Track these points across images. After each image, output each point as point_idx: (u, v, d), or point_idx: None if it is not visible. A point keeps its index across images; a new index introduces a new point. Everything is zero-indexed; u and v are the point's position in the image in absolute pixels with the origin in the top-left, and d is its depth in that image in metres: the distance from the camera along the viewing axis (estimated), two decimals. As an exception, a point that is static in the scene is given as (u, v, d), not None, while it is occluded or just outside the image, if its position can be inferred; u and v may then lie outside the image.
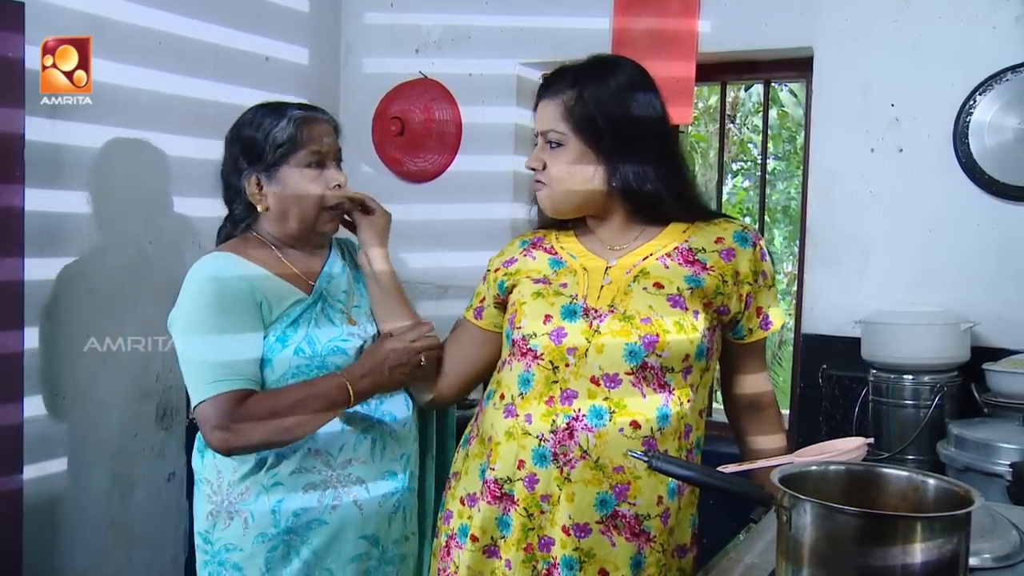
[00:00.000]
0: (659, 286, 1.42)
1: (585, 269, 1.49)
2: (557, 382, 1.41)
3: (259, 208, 1.63)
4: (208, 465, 1.62)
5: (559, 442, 1.39)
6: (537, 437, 1.40)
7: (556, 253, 1.54)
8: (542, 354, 1.43)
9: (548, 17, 2.94)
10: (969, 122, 2.35)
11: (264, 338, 1.55)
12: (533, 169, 1.51)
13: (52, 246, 2.34)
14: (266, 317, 1.56)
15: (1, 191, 2.11)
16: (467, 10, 3.10)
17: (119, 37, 2.47)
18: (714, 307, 1.44)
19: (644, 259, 1.47)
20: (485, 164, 3.10)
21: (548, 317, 1.44)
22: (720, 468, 1.35)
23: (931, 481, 1.06)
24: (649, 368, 1.39)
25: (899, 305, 2.36)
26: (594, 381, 1.39)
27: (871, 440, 1.35)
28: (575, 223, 1.56)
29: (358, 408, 1.60)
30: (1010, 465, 1.75)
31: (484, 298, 1.62)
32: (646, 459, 1.15)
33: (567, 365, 1.41)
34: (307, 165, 1.61)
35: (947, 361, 2.21)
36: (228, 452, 1.51)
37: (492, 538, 1.45)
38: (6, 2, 2.10)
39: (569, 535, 1.38)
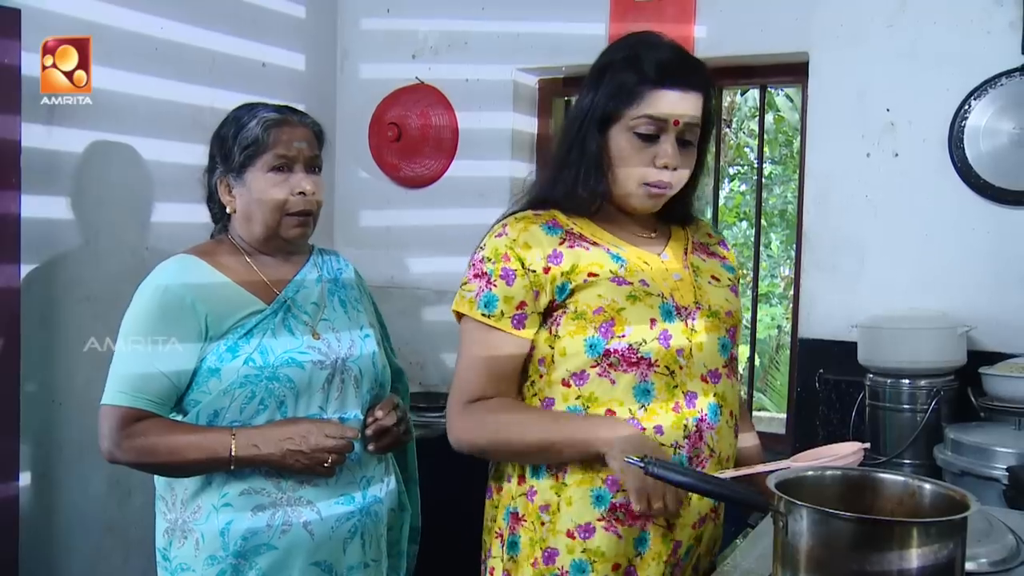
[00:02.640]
0: (716, 278, 1.46)
1: (647, 263, 1.40)
2: (677, 386, 1.35)
3: (228, 210, 1.62)
4: (162, 481, 1.60)
5: (692, 446, 1.35)
6: (672, 446, 1.34)
7: (600, 244, 1.40)
8: (657, 361, 1.34)
9: (544, 23, 2.95)
10: (964, 127, 2.36)
11: (213, 348, 1.53)
12: (672, 169, 1.35)
13: (48, 253, 2.34)
14: (214, 329, 1.53)
15: (-2, 197, 2.11)
16: (464, 16, 3.10)
17: (116, 43, 2.47)
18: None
19: (685, 254, 1.47)
20: (482, 169, 3.10)
21: (653, 321, 1.34)
22: (718, 474, 1.36)
23: (927, 486, 1.06)
24: (733, 359, 1.44)
25: (896, 309, 2.36)
26: (703, 379, 1.38)
27: (867, 445, 1.35)
28: (586, 209, 1.43)
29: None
30: (1006, 469, 1.75)
31: (524, 303, 1.36)
32: (642, 465, 1.14)
33: (680, 368, 1.36)
34: (272, 169, 1.56)
35: (944, 365, 2.22)
36: (110, 461, 1.53)
37: (628, 559, 1.35)
38: (2, 8, 2.10)
39: (696, 528, 1.38)
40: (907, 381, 2.22)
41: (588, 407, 1.34)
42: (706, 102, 1.38)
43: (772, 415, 6.03)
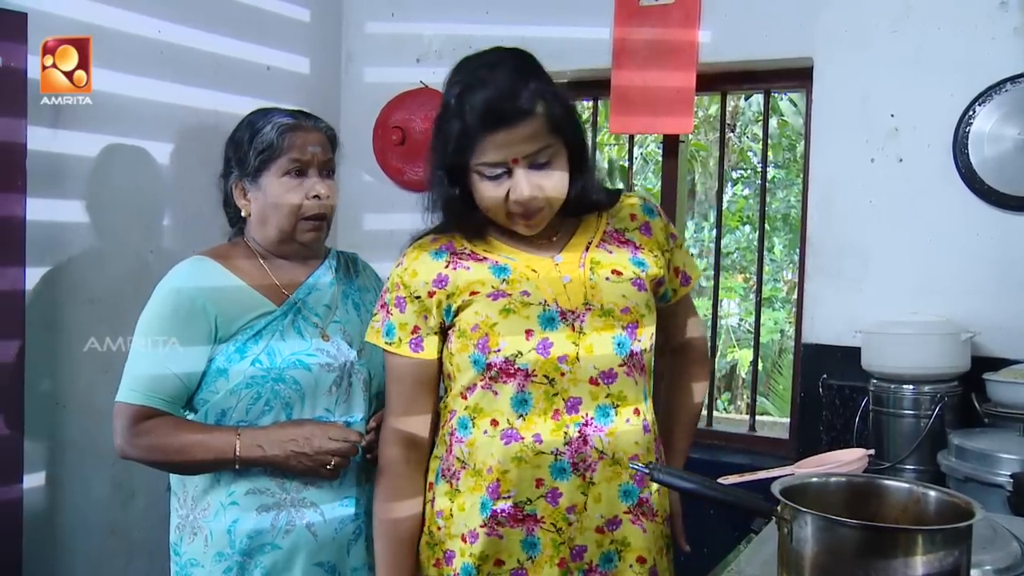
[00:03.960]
0: (618, 272, 1.45)
1: (535, 271, 1.42)
2: (557, 394, 1.38)
3: (243, 214, 1.64)
4: (176, 477, 1.63)
5: (576, 451, 1.37)
6: (552, 453, 1.37)
7: (487, 259, 1.43)
8: (534, 371, 1.37)
9: (549, 27, 2.95)
10: (969, 132, 2.36)
11: (222, 349, 1.56)
12: (522, 203, 1.36)
13: (53, 255, 2.34)
14: (223, 330, 1.56)
15: (3, 200, 2.12)
16: (468, 20, 3.11)
17: (121, 46, 2.47)
18: (653, 281, 1.49)
19: (587, 249, 1.46)
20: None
21: (529, 332, 1.38)
22: (720, 480, 1.36)
23: (932, 493, 1.06)
24: (635, 355, 1.42)
25: (899, 315, 2.36)
26: (593, 382, 1.39)
27: (872, 452, 1.36)
28: (478, 234, 1.47)
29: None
30: (1011, 476, 1.74)
31: (417, 327, 1.44)
32: (647, 471, 1.15)
33: (562, 374, 1.38)
34: (286, 173, 1.59)
35: (947, 371, 2.21)
36: (121, 457, 1.56)
37: (519, 561, 1.39)
38: (9, 11, 2.11)
39: (604, 532, 1.39)
40: (911, 387, 2.21)
41: (475, 418, 1.41)
42: (549, 120, 1.35)
43: (775, 420, 6.03)
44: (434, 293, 1.42)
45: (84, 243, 2.43)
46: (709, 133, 7.36)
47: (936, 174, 2.41)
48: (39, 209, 2.23)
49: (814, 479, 1.12)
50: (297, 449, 1.52)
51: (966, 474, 1.87)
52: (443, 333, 1.45)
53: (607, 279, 1.43)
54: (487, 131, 1.33)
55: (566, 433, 1.37)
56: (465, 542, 1.41)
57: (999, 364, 2.20)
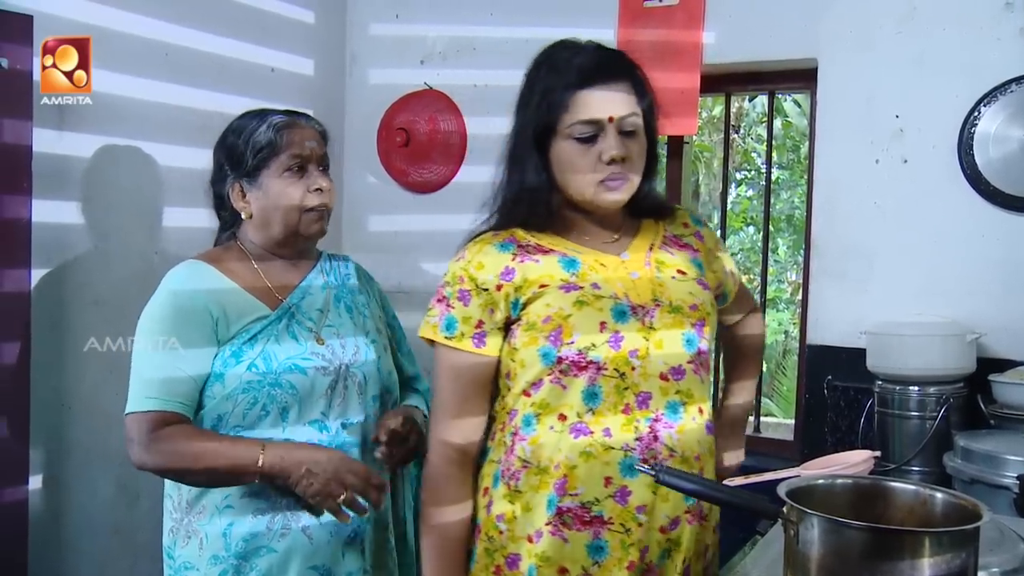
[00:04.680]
0: (682, 272, 1.46)
1: (603, 265, 1.42)
2: (628, 388, 1.36)
3: (243, 216, 1.63)
4: (170, 482, 1.61)
5: (646, 447, 1.35)
6: (622, 449, 1.35)
7: (554, 251, 1.42)
8: (605, 364, 1.35)
9: (553, 29, 2.91)
10: (974, 133, 2.35)
11: (219, 353, 1.54)
12: (619, 160, 1.36)
13: (58, 257, 2.35)
14: (222, 333, 1.55)
15: (9, 202, 2.12)
16: (472, 21, 3.11)
17: (126, 48, 2.48)
18: (712, 285, 1.52)
19: (651, 250, 1.47)
20: (490, 175, 3.09)
21: (603, 324, 1.36)
22: (726, 481, 1.36)
23: (939, 495, 1.06)
24: (702, 353, 1.43)
25: (904, 316, 2.35)
26: (663, 377, 1.38)
27: (878, 453, 1.35)
28: (547, 223, 1.46)
29: (312, 432, 1.56)
30: (1017, 477, 1.74)
31: (482, 321, 1.41)
32: (653, 473, 1.14)
33: (633, 369, 1.36)
34: (287, 170, 1.59)
35: (953, 372, 2.21)
36: (139, 467, 1.52)
37: (583, 568, 1.35)
38: (14, 13, 2.11)
39: (665, 532, 1.37)
40: (916, 388, 2.21)
41: (541, 413, 1.37)
42: (638, 93, 1.40)
43: (779, 421, 6.01)
44: (502, 286, 1.39)
45: (89, 244, 2.43)
46: (713, 134, 7.36)
47: (941, 175, 2.41)
48: (44, 211, 2.23)
49: (820, 481, 1.12)
50: (317, 471, 1.48)
51: (972, 476, 1.86)
52: (505, 329, 1.41)
53: (673, 277, 1.44)
54: (586, 86, 1.35)
55: (636, 428, 1.35)
56: (531, 542, 1.37)
57: (1005, 365, 2.20)
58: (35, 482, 2.26)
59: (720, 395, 1.75)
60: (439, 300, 1.45)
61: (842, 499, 1.09)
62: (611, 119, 1.35)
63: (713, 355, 1.53)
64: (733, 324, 1.72)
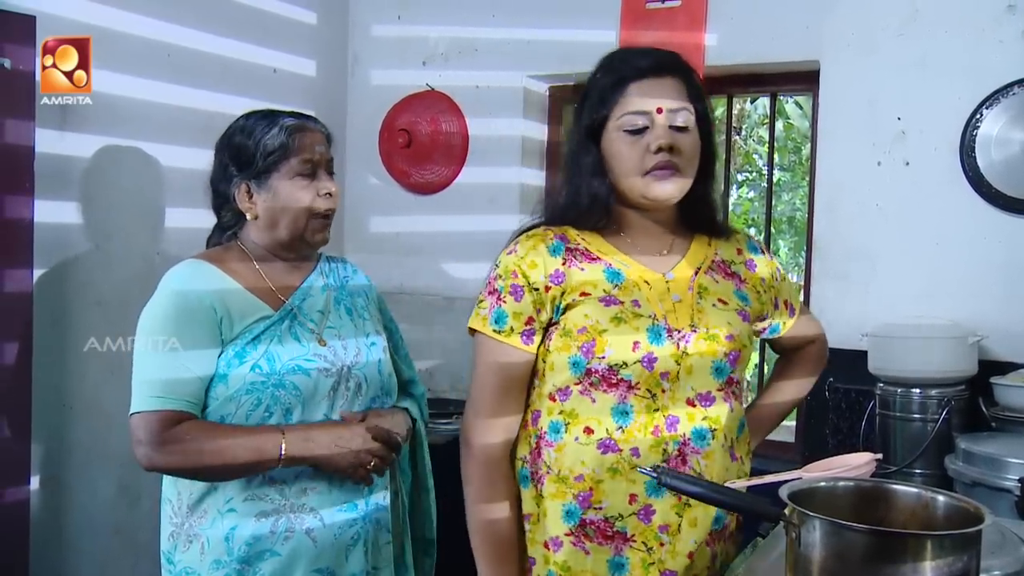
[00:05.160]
0: (723, 302, 1.43)
1: (647, 282, 1.40)
2: (658, 410, 1.35)
3: (248, 216, 1.62)
4: (169, 485, 1.59)
5: (667, 468, 1.32)
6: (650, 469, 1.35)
7: (601, 260, 1.41)
8: (637, 383, 1.34)
9: (555, 30, 2.96)
10: (976, 136, 2.35)
11: (222, 353, 1.53)
12: (667, 149, 1.35)
13: (60, 257, 2.35)
14: (226, 333, 1.53)
15: (11, 202, 2.13)
16: (474, 23, 3.11)
17: (129, 48, 2.48)
18: (756, 317, 1.50)
19: (696, 274, 1.45)
20: (492, 176, 3.11)
21: (636, 344, 1.34)
22: (728, 484, 1.35)
23: (941, 498, 1.06)
24: (733, 383, 1.42)
25: (906, 318, 2.35)
26: (690, 403, 1.37)
27: (879, 456, 1.35)
28: (601, 223, 1.44)
29: None
30: (1019, 480, 1.74)
31: (531, 318, 1.39)
32: (655, 475, 1.14)
33: (663, 391, 1.35)
34: (298, 174, 1.59)
35: (955, 375, 2.21)
36: (149, 469, 1.50)
37: None
38: (17, 14, 2.12)
39: (692, 559, 1.36)
40: (918, 390, 2.21)
41: (569, 423, 1.37)
42: (692, 93, 1.39)
43: (781, 423, 6.00)
44: (550, 288, 1.39)
45: (91, 244, 2.44)
46: (715, 136, 7.34)
47: (943, 177, 2.41)
48: (46, 211, 2.24)
49: (822, 483, 1.11)
50: (344, 445, 1.53)
51: (974, 478, 1.86)
52: (545, 330, 1.41)
53: (714, 305, 1.42)
54: (637, 78, 1.37)
55: (665, 451, 1.35)
56: (548, 549, 1.38)
57: (1006, 368, 2.19)
58: (36, 482, 2.26)
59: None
60: (490, 292, 1.42)
61: (844, 501, 1.09)
62: (660, 110, 1.36)
63: (744, 388, 1.50)
64: (792, 347, 1.67)
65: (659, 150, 1.35)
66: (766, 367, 3.49)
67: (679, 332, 1.37)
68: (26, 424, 2.17)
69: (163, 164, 2.59)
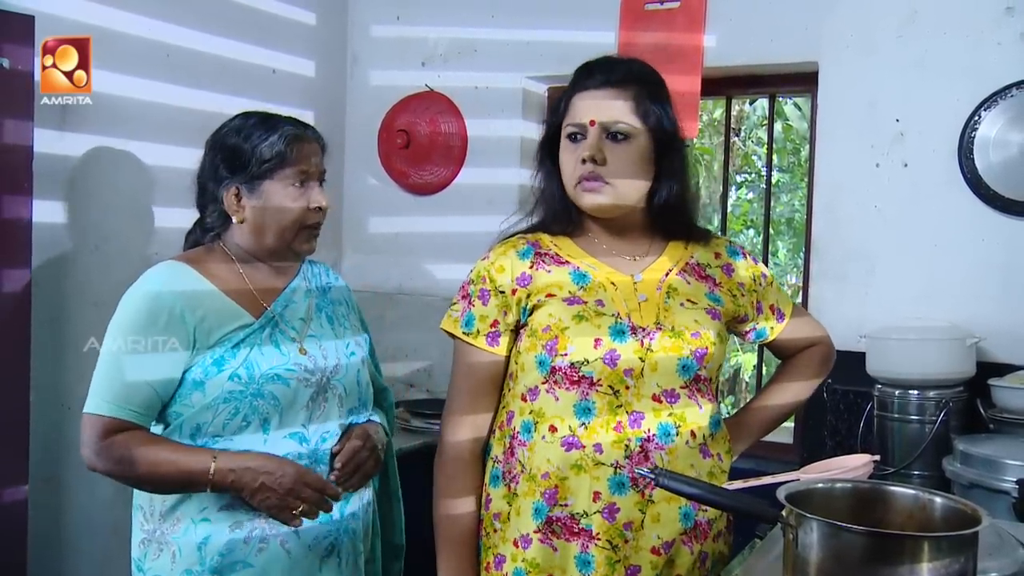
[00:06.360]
0: (692, 302, 1.45)
1: (614, 284, 1.43)
2: (621, 406, 1.37)
3: (234, 219, 1.59)
4: (141, 491, 1.58)
5: (636, 466, 1.36)
6: (611, 465, 1.36)
7: (569, 263, 1.45)
8: (599, 380, 1.37)
9: (554, 31, 2.96)
10: (974, 137, 2.35)
11: (199, 360, 1.50)
12: (590, 160, 1.38)
13: (58, 257, 2.35)
14: (202, 340, 1.51)
15: (9, 202, 2.12)
16: (473, 23, 3.11)
17: (127, 48, 2.48)
18: (731, 318, 1.51)
19: (666, 275, 1.46)
20: (491, 177, 3.11)
21: (598, 341, 1.37)
22: (725, 485, 1.36)
23: (938, 499, 1.06)
24: (701, 380, 1.43)
25: (904, 320, 2.36)
26: (656, 399, 1.39)
27: (877, 457, 1.35)
28: (568, 228, 1.49)
29: (292, 444, 1.54)
30: (1016, 482, 1.74)
31: (496, 321, 1.45)
32: (652, 476, 1.14)
33: (627, 388, 1.37)
34: (291, 184, 1.57)
35: (952, 376, 2.21)
36: (90, 469, 1.51)
37: None
38: (16, 14, 2.12)
39: (660, 554, 1.37)
40: (916, 392, 2.21)
41: (537, 422, 1.40)
42: (642, 101, 1.41)
43: (779, 424, 6.00)
44: (516, 290, 1.44)
45: (88, 245, 2.44)
46: (714, 137, 7.35)
47: (941, 179, 2.41)
48: (45, 211, 2.24)
49: (820, 485, 1.12)
50: (268, 483, 1.47)
51: (971, 480, 1.86)
52: (516, 332, 1.46)
53: (681, 305, 1.44)
54: (577, 91, 1.43)
55: (627, 447, 1.36)
56: (517, 547, 1.40)
57: (1005, 369, 2.19)
58: (35, 482, 2.26)
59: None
60: (463, 296, 1.49)
61: (841, 503, 1.09)
62: (592, 122, 1.40)
63: (716, 384, 1.50)
64: (789, 350, 1.65)
65: (583, 161, 1.39)
66: (764, 368, 3.49)
67: (644, 330, 1.39)
68: (24, 424, 2.17)
69: (162, 164, 2.58)
